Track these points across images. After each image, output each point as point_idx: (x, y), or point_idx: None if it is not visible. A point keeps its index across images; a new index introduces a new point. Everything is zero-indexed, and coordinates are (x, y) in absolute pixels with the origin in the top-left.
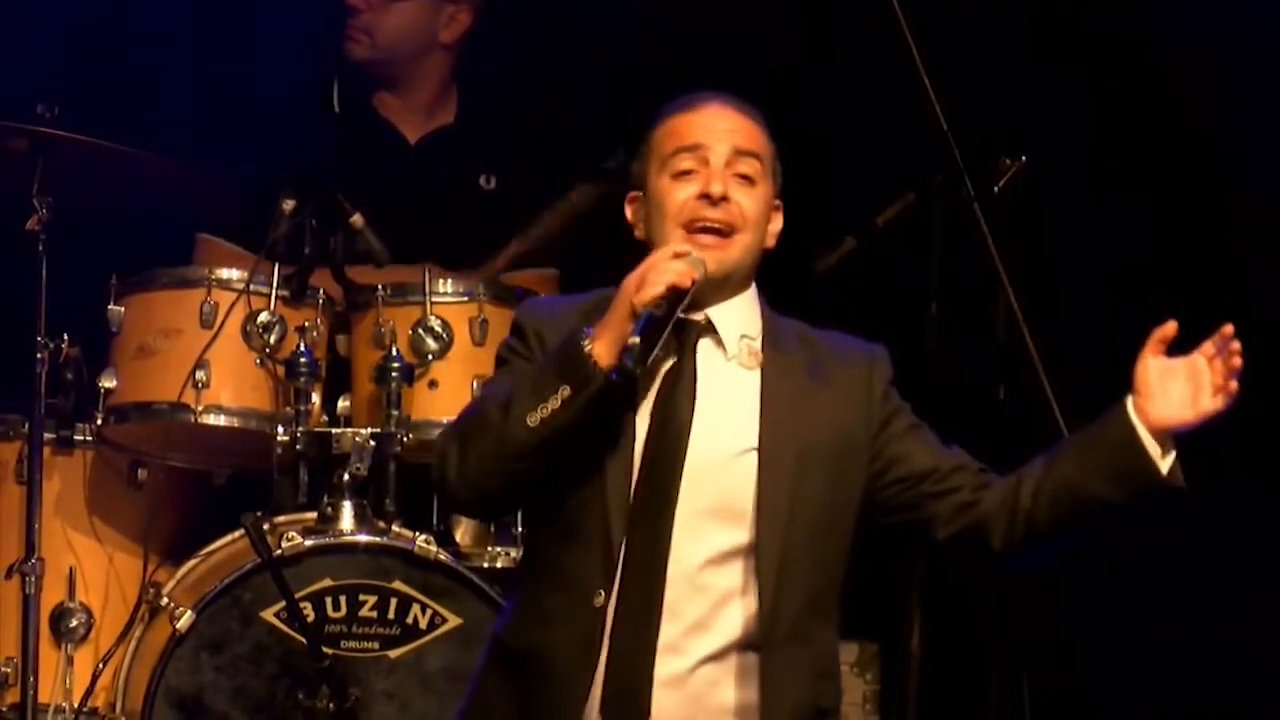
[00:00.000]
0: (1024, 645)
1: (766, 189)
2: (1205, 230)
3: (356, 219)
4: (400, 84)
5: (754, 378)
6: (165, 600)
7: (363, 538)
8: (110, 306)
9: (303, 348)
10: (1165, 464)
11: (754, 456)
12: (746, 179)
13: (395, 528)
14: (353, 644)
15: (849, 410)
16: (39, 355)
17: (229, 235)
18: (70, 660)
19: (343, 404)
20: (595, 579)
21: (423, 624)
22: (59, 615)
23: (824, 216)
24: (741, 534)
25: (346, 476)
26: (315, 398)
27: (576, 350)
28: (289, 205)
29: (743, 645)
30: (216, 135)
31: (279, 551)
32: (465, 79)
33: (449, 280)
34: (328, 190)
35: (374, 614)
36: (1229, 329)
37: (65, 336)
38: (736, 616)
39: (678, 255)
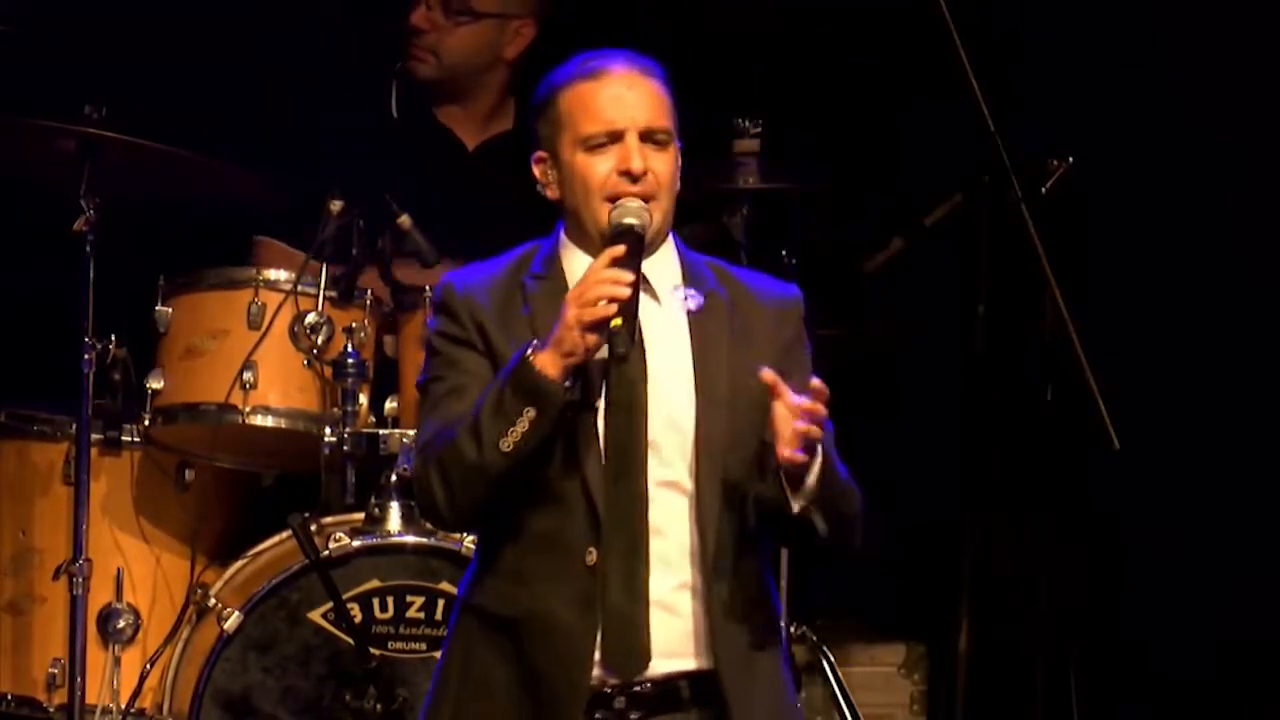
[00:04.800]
0: (1071, 645)
1: (674, 147)
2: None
3: (404, 220)
4: (462, 96)
5: (684, 323)
6: (213, 601)
7: (410, 539)
8: (158, 307)
9: (350, 348)
10: (794, 504)
11: (692, 397)
12: (659, 144)
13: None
14: (400, 645)
15: (766, 359)
16: (86, 356)
17: (282, 238)
18: (118, 661)
19: (390, 405)
20: (582, 538)
21: None
22: (106, 616)
23: (873, 217)
24: (683, 471)
25: (394, 477)
26: (363, 398)
27: (528, 371)
28: (336, 206)
29: (690, 581)
30: (271, 138)
31: (326, 552)
32: (524, 85)
33: None
34: (375, 191)
35: (421, 615)
36: (816, 384)
37: (113, 337)
38: (682, 553)
39: (614, 260)
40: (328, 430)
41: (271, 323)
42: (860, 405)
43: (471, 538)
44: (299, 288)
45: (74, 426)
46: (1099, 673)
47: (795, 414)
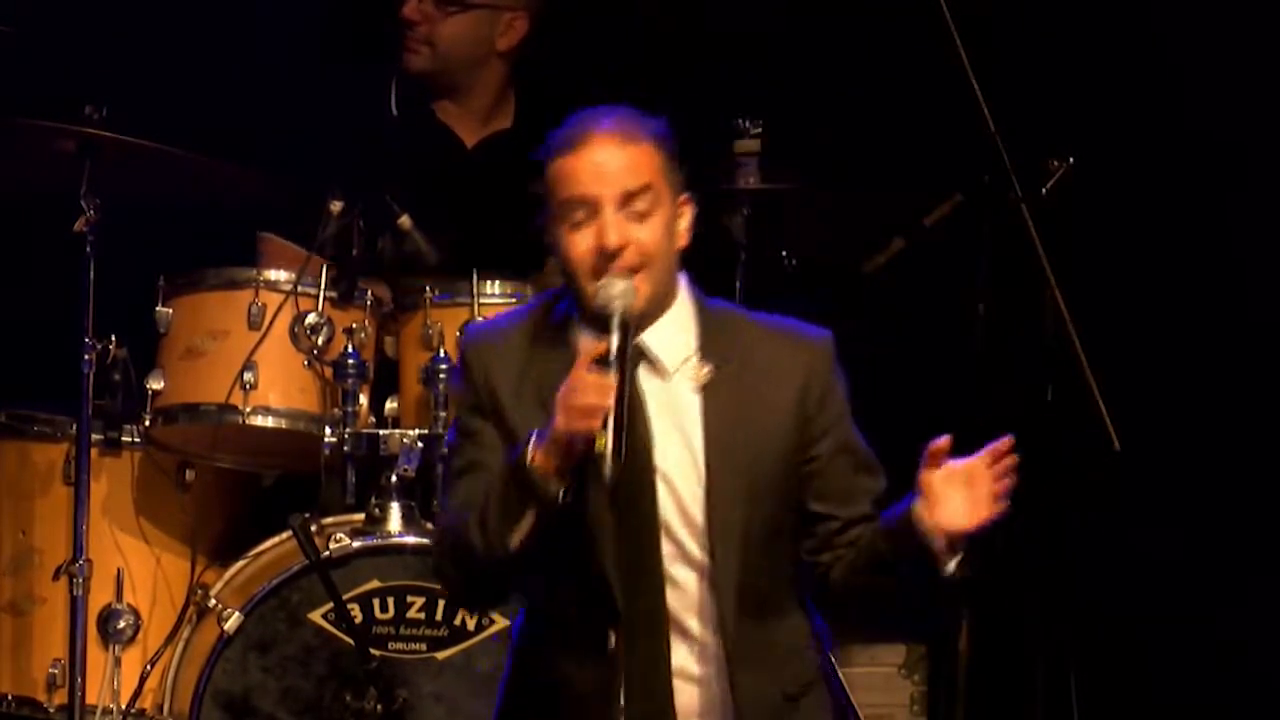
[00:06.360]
0: (1070, 645)
1: (665, 209)
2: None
3: (404, 220)
4: (458, 92)
5: (693, 399)
6: (213, 601)
7: (410, 539)
8: (158, 308)
9: (350, 349)
10: (950, 565)
11: (703, 475)
12: (640, 213)
13: None
14: (400, 645)
15: (787, 424)
16: (86, 357)
17: (284, 237)
18: (118, 662)
19: (390, 405)
20: (603, 624)
21: (470, 626)
22: (107, 617)
23: (873, 217)
24: (695, 547)
25: (394, 478)
26: (363, 399)
27: (526, 472)
28: (336, 206)
29: (711, 647)
30: (271, 138)
31: (326, 553)
32: (523, 83)
33: (496, 282)
34: (376, 192)
35: (422, 615)
36: (1006, 443)
37: (113, 338)
38: (702, 622)
39: (596, 359)
40: (328, 431)
41: (272, 323)
42: (859, 405)
43: None
44: (299, 288)
45: (74, 427)
46: (1099, 673)
47: (971, 474)
